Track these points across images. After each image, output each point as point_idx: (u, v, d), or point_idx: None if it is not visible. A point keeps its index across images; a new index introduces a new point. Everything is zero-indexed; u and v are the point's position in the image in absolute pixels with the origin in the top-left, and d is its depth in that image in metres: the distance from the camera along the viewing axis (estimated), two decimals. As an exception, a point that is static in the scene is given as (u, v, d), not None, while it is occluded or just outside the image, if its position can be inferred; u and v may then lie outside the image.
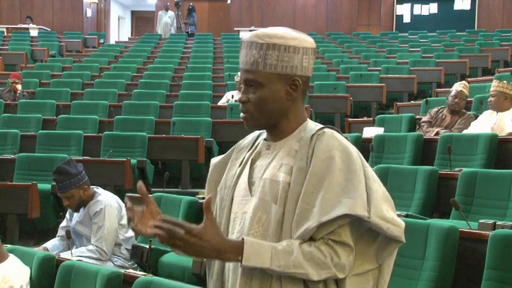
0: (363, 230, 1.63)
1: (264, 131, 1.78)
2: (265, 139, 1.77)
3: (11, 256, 3.58)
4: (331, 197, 1.57)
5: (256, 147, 1.78)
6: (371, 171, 1.65)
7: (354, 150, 1.65)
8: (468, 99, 7.10)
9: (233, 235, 1.70)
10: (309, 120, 1.75)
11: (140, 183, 1.69)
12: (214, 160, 1.86)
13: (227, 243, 1.57)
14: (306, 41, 1.70)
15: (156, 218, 1.68)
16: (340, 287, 1.62)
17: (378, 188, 1.63)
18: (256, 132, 1.83)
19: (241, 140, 1.85)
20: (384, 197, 1.63)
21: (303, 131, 1.70)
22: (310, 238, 1.59)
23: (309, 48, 1.70)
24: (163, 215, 1.70)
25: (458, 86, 6.31)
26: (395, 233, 1.61)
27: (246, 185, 1.71)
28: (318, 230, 1.58)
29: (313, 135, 1.66)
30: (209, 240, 1.54)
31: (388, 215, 1.61)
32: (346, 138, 1.70)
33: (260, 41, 1.67)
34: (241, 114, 1.73)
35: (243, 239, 1.57)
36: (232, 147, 1.85)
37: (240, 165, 1.77)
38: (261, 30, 1.70)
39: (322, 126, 1.70)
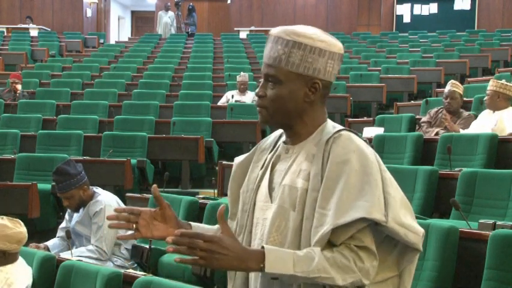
0: (382, 237, 1.59)
1: (284, 132, 1.73)
2: (284, 142, 1.72)
3: (19, 258, 3.58)
4: (347, 200, 1.52)
5: (277, 149, 1.73)
6: (389, 176, 1.60)
7: (371, 153, 1.60)
8: (468, 99, 7.11)
9: (255, 241, 1.67)
10: (328, 121, 1.70)
11: (155, 186, 1.66)
12: (237, 160, 1.81)
13: (248, 251, 1.52)
14: (334, 45, 1.65)
15: (169, 224, 1.66)
16: None
17: (396, 193, 1.58)
18: (278, 132, 1.78)
19: (264, 140, 1.80)
20: (401, 203, 1.58)
21: (321, 134, 1.65)
22: (332, 244, 1.54)
23: (335, 53, 1.64)
24: (182, 221, 1.68)
25: (448, 86, 6.30)
26: (412, 240, 1.57)
27: (267, 191, 1.68)
28: (336, 235, 1.53)
29: (329, 138, 1.62)
30: (230, 248, 1.48)
31: (405, 220, 1.56)
32: (364, 140, 1.65)
33: (287, 37, 1.62)
34: (257, 108, 1.69)
35: (262, 246, 1.52)
36: (255, 147, 1.80)
37: (261, 168, 1.73)
38: (291, 27, 1.65)
39: (340, 128, 1.65)
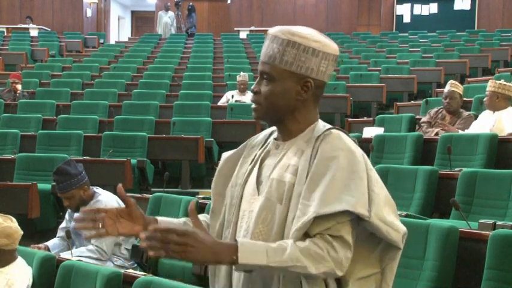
0: (366, 234, 1.63)
1: (276, 128, 1.78)
2: (275, 138, 1.77)
3: (19, 258, 3.59)
4: (332, 193, 1.57)
5: (267, 145, 1.78)
6: (375, 175, 1.64)
7: (358, 152, 1.64)
8: (468, 99, 7.11)
9: (240, 233, 1.70)
10: (319, 121, 1.75)
11: (120, 186, 1.69)
12: (225, 154, 1.85)
13: (221, 244, 1.56)
14: (329, 46, 1.70)
15: (136, 222, 1.70)
16: None
17: (380, 191, 1.63)
18: (269, 130, 1.83)
19: (254, 136, 1.84)
20: (385, 201, 1.63)
21: (312, 132, 1.70)
22: (307, 235, 1.58)
23: (330, 54, 1.70)
24: (148, 217, 1.71)
25: (448, 86, 6.30)
26: (393, 238, 1.61)
27: (255, 184, 1.72)
28: (315, 225, 1.56)
29: (319, 136, 1.67)
30: (203, 241, 1.51)
31: (388, 218, 1.60)
32: (353, 140, 1.69)
33: (282, 36, 1.68)
34: (252, 104, 1.74)
35: (235, 240, 1.56)
36: (245, 143, 1.84)
37: (251, 163, 1.77)
38: (289, 27, 1.71)
39: (330, 127, 1.70)
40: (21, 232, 3.57)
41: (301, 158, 1.65)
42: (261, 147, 1.79)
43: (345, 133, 1.70)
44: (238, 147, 1.84)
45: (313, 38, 1.68)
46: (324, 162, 1.61)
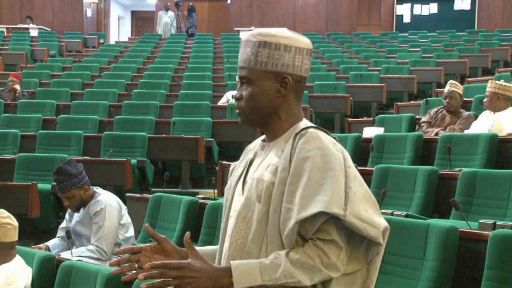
0: (351, 231, 1.63)
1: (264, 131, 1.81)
2: (262, 140, 1.80)
3: (17, 256, 3.59)
4: (308, 195, 1.59)
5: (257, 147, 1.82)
6: (354, 172, 1.65)
7: (335, 150, 1.65)
8: (468, 99, 7.11)
9: (227, 233, 1.73)
10: (304, 120, 1.76)
11: (147, 226, 1.73)
12: (232, 165, 1.90)
13: (218, 269, 1.60)
14: (300, 41, 1.73)
15: (170, 256, 1.73)
16: (326, 286, 1.62)
17: (359, 188, 1.63)
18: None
19: (253, 142, 1.88)
20: (365, 198, 1.63)
21: (293, 131, 1.72)
22: (302, 238, 1.61)
23: (303, 48, 1.73)
24: (181, 249, 1.73)
25: (448, 86, 6.32)
26: (371, 234, 1.60)
27: (241, 185, 1.75)
28: (303, 229, 1.59)
29: (296, 134, 1.68)
30: (200, 270, 1.57)
31: (365, 215, 1.60)
32: (334, 138, 1.71)
33: (253, 39, 1.72)
34: (236, 110, 1.78)
35: (230, 263, 1.60)
36: (244, 150, 1.88)
37: (244, 166, 1.80)
38: (257, 30, 1.75)
39: (309, 126, 1.71)
40: (16, 224, 3.56)
41: (281, 158, 1.68)
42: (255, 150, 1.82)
43: (325, 131, 1.71)
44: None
45: (282, 35, 1.71)
46: (299, 163, 1.63)
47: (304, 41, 1.74)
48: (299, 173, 1.61)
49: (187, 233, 1.65)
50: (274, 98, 1.71)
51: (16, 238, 3.59)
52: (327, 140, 1.67)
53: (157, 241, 1.73)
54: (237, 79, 8.57)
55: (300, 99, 1.76)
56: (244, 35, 1.77)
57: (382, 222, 1.64)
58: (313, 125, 1.73)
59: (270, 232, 1.63)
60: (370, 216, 1.61)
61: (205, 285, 1.57)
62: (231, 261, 1.61)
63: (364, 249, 1.66)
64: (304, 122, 1.74)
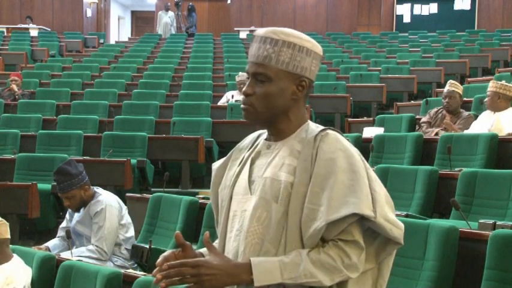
0: (363, 230, 1.64)
1: (265, 131, 1.79)
2: (265, 139, 1.77)
3: (15, 256, 3.59)
4: (338, 196, 1.58)
5: (256, 147, 1.79)
6: (374, 174, 1.66)
7: (355, 152, 1.67)
8: (468, 99, 7.11)
9: (232, 233, 1.71)
10: (309, 121, 1.76)
11: (178, 233, 1.68)
12: (215, 165, 1.87)
13: (236, 265, 1.59)
14: (317, 46, 1.74)
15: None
16: (340, 286, 1.62)
17: (380, 190, 1.64)
18: (256, 133, 1.84)
19: (241, 142, 1.85)
20: (386, 199, 1.65)
21: (305, 132, 1.71)
22: (322, 240, 1.60)
23: (318, 54, 1.73)
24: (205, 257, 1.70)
25: (447, 86, 6.33)
26: (396, 235, 1.62)
27: (246, 184, 1.72)
28: (327, 230, 1.59)
29: (316, 136, 1.67)
30: (217, 267, 1.57)
31: (390, 216, 1.62)
32: (347, 139, 1.71)
33: (276, 37, 1.69)
34: (243, 106, 1.73)
35: (249, 259, 1.59)
36: (232, 150, 1.86)
37: (239, 165, 1.78)
38: (277, 28, 1.73)
39: (324, 127, 1.71)
40: (5, 222, 3.56)
41: (300, 158, 1.66)
42: (250, 149, 1.80)
43: (340, 133, 1.71)
44: (226, 156, 1.86)
45: (306, 38, 1.71)
46: (324, 164, 1.62)
47: (320, 47, 1.75)
48: (324, 175, 1.61)
49: (207, 233, 1.63)
50: (289, 99, 1.70)
51: (9, 235, 3.59)
52: (346, 142, 1.68)
53: (184, 248, 1.68)
54: (237, 79, 8.49)
55: (305, 101, 1.77)
56: (260, 30, 1.73)
57: (401, 222, 1.66)
58: (324, 126, 1.73)
59: (290, 232, 1.62)
60: (393, 217, 1.63)
61: (223, 281, 1.57)
62: (251, 258, 1.59)
63: (374, 249, 1.67)
64: (313, 123, 1.75)
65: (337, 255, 1.58)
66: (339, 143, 1.65)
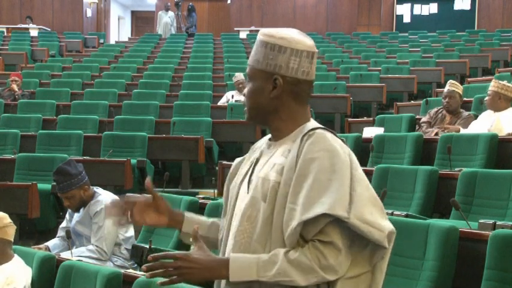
0: (355, 234, 1.61)
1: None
2: (269, 139, 1.80)
3: (16, 256, 3.59)
4: (313, 196, 1.58)
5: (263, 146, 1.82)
6: (360, 175, 1.64)
7: (343, 152, 1.64)
8: (468, 99, 7.11)
9: (231, 231, 1.73)
10: (311, 121, 1.75)
11: (148, 179, 1.80)
12: (236, 160, 1.90)
13: (216, 260, 1.62)
14: (298, 42, 1.70)
15: (163, 214, 1.83)
16: None
17: (364, 191, 1.62)
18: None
19: (259, 140, 1.88)
20: (370, 200, 1.62)
21: (300, 132, 1.70)
22: (304, 239, 1.60)
23: (300, 51, 1.70)
24: (174, 210, 1.84)
25: (447, 86, 6.33)
26: (376, 237, 1.59)
27: (247, 183, 1.74)
28: (305, 230, 1.59)
29: (304, 135, 1.67)
30: (197, 261, 1.60)
31: (370, 218, 1.59)
32: (342, 140, 1.70)
33: (259, 37, 1.74)
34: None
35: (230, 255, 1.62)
36: (251, 148, 1.88)
37: (250, 164, 1.80)
38: (266, 29, 1.76)
39: (317, 127, 1.70)
40: (8, 221, 3.56)
41: (288, 157, 1.67)
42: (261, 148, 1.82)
43: (332, 133, 1.70)
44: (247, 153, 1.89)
45: (279, 36, 1.70)
46: (306, 163, 1.62)
47: (306, 43, 1.71)
48: (304, 174, 1.61)
49: (196, 226, 1.68)
50: (268, 98, 1.72)
51: (13, 238, 3.60)
52: (334, 141, 1.66)
53: (154, 197, 1.81)
54: (234, 79, 8.59)
55: (302, 101, 1.74)
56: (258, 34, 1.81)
57: (387, 225, 1.63)
58: (321, 126, 1.71)
59: (275, 232, 1.63)
60: (375, 219, 1.60)
61: (203, 275, 1.60)
62: (231, 254, 1.62)
63: (368, 252, 1.65)
64: (312, 123, 1.73)
65: (314, 255, 1.57)
66: (324, 142, 1.64)
